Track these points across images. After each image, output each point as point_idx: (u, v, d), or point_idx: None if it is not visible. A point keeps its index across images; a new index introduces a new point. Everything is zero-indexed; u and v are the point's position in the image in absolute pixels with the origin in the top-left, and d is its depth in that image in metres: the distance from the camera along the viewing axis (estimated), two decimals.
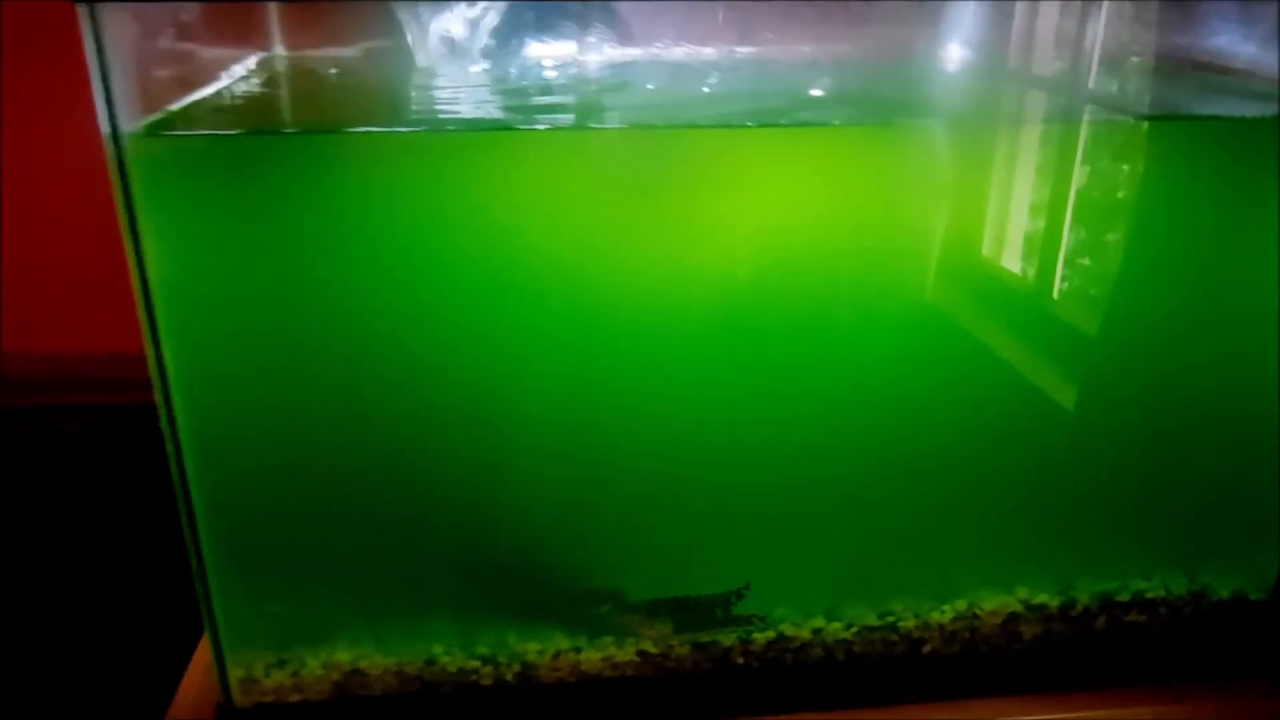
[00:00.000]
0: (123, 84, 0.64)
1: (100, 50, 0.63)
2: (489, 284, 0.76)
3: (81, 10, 0.61)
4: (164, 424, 0.73)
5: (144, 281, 0.68)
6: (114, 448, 1.38)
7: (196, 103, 0.73)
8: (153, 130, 0.67)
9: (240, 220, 0.69)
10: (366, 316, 0.75)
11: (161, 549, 0.86)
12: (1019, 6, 0.82)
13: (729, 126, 0.77)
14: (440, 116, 0.78)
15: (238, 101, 0.75)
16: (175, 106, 0.71)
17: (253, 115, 0.75)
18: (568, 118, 0.79)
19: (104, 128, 0.64)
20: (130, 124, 0.65)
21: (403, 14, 0.81)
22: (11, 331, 1.52)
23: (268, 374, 0.75)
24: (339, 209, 0.70)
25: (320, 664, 0.83)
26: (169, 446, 0.73)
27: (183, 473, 0.74)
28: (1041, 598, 0.89)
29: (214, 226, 0.69)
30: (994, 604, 0.89)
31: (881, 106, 0.86)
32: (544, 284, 0.76)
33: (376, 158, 0.70)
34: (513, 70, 0.79)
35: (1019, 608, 0.89)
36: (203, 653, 0.88)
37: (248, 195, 0.69)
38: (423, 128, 0.72)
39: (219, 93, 0.75)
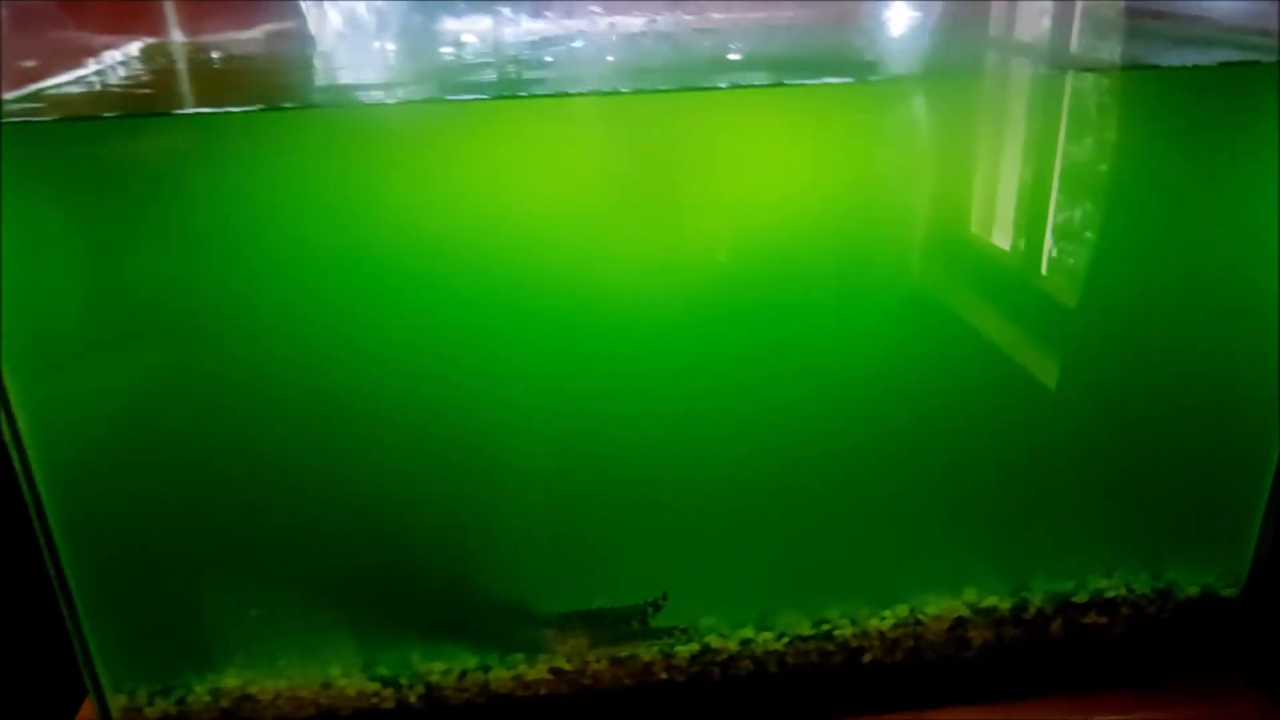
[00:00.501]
0: None
1: None
2: (358, 280, 0.70)
3: None
4: (8, 440, 0.67)
5: None
6: None
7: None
8: None
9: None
10: (226, 315, 0.69)
11: None
12: None
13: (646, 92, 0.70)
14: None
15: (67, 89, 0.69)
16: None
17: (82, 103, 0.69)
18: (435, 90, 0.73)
19: None
20: None
21: None
22: None
23: (125, 390, 0.69)
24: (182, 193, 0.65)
25: (207, 690, 0.77)
26: (15, 464, 0.68)
27: (33, 485, 0.69)
28: (991, 600, 0.82)
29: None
30: (939, 609, 0.82)
31: (837, 66, 0.79)
32: (426, 276, 0.70)
33: (220, 139, 0.65)
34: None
35: (966, 612, 0.82)
36: None
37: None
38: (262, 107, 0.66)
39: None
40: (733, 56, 0.78)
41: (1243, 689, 0.82)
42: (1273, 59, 0.71)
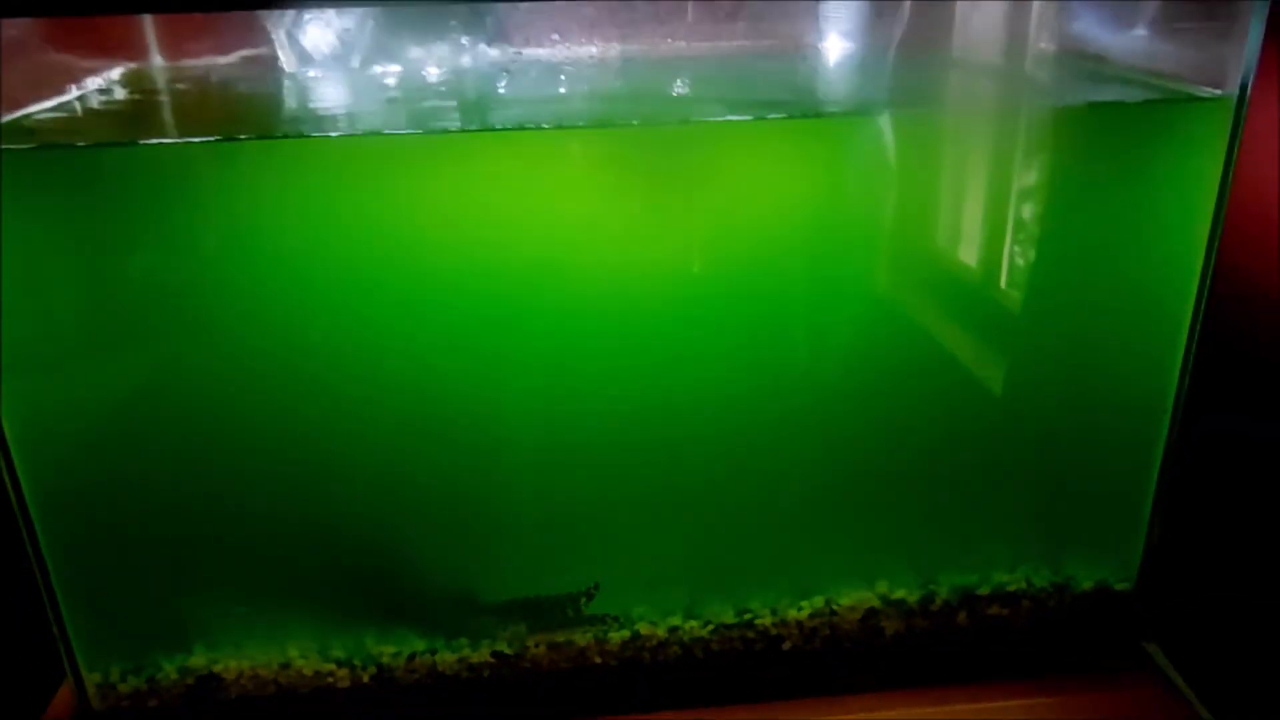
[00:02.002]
0: None
1: None
2: (324, 285, 0.76)
3: None
4: None
5: None
6: None
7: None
8: None
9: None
10: (199, 315, 0.76)
11: None
12: None
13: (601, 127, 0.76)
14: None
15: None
16: None
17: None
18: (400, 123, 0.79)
19: None
20: None
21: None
22: None
23: (101, 383, 0.76)
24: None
25: (175, 669, 0.84)
26: None
27: (12, 471, 0.75)
28: (900, 593, 0.89)
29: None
30: (852, 600, 0.88)
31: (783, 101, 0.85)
32: (381, 282, 0.76)
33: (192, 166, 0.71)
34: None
35: (878, 603, 0.88)
36: None
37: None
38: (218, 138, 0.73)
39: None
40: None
41: (1139, 677, 0.88)
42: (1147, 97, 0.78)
